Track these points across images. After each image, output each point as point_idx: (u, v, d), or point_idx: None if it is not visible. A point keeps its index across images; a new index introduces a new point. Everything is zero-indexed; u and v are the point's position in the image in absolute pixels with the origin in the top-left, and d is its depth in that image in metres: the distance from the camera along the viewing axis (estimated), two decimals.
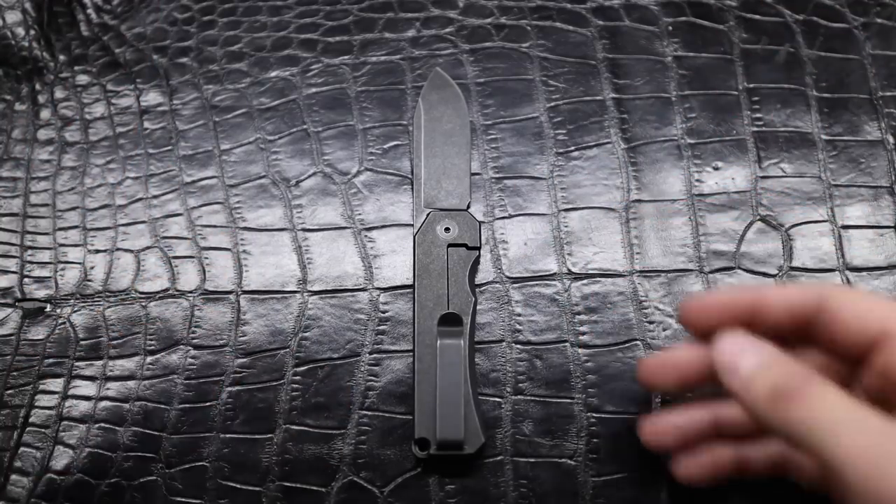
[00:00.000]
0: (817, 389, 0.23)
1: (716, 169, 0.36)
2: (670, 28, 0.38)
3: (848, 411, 0.23)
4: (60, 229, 0.36)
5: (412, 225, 0.35)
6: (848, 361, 0.26)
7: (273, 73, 0.38)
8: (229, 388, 0.33)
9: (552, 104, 0.37)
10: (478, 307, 0.33)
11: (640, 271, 0.34)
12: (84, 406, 0.33)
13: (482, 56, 0.38)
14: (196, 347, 0.33)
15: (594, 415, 0.32)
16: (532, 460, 0.32)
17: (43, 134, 0.38)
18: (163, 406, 0.32)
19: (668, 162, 0.36)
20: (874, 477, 0.22)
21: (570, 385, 0.32)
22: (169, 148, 0.37)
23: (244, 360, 0.33)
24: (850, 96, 0.37)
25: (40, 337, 0.34)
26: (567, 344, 0.33)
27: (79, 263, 0.35)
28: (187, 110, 0.38)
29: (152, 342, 0.34)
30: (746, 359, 0.25)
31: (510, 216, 0.35)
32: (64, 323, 0.34)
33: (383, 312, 0.34)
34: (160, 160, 0.37)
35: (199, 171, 0.36)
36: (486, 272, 0.34)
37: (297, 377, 0.33)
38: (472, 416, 0.31)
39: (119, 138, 0.37)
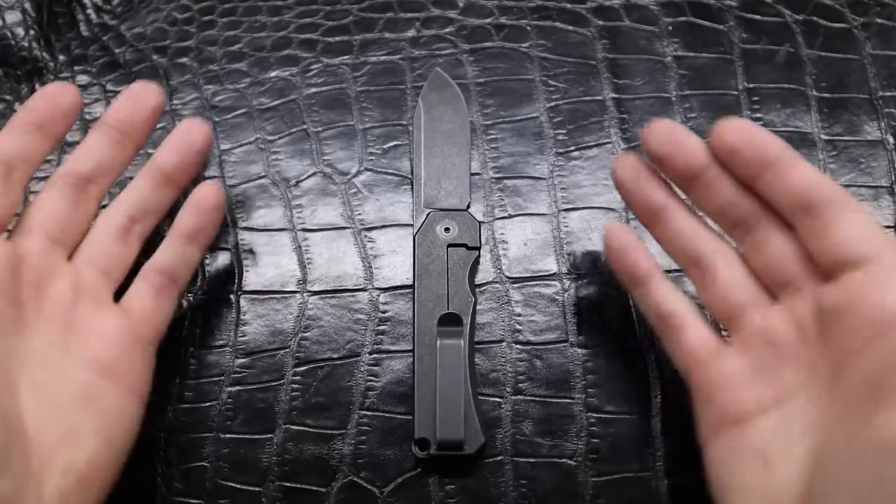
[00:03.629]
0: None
1: None
2: (670, 28, 0.38)
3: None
4: None
5: (412, 225, 0.35)
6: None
7: (273, 73, 0.38)
8: (229, 388, 0.33)
9: (552, 104, 0.37)
10: (478, 307, 0.33)
11: None
12: None
13: (482, 56, 0.38)
14: (196, 347, 0.33)
15: (594, 415, 0.32)
16: (532, 460, 0.32)
17: None
18: (163, 406, 0.32)
19: None
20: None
21: (570, 385, 0.32)
22: None
23: (244, 360, 0.33)
24: (850, 96, 0.37)
25: None
26: (567, 344, 0.33)
27: None
28: (187, 110, 0.38)
29: None
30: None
31: (510, 216, 0.35)
32: None
33: (383, 312, 0.34)
34: None
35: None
36: (486, 272, 0.34)
37: (297, 377, 0.33)
38: (472, 416, 0.31)
39: None
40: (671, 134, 0.28)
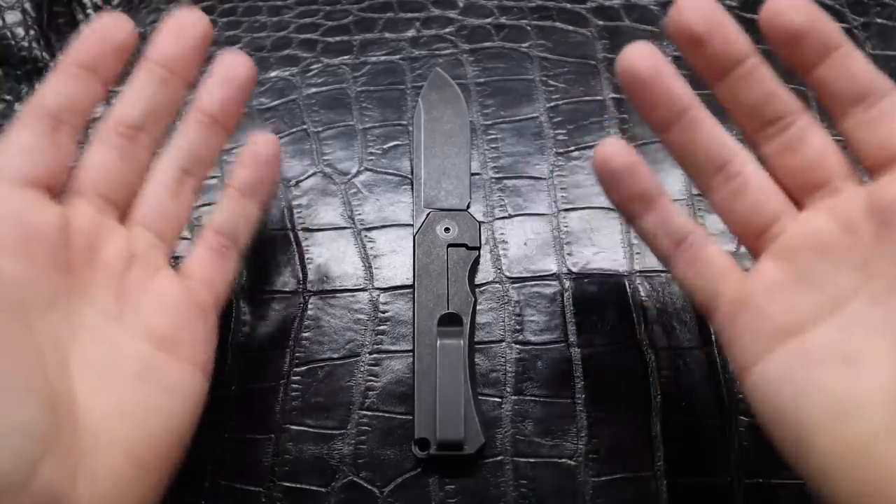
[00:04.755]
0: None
1: None
2: None
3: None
4: None
5: (412, 225, 0.35)
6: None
7: (273, 73, 0.38)
8: (230, 388, 0.33)
9: (552, 104, 0.37)
10: (478, 307, 0.33)
11: (641, 272, 0.34)
12: None
13: (482, 56, 0.38)
14: None
15: (594, 415, 0.32)
16: (532, 460, 0.32)
17: None
18: None
19: (668, 162, 0.36)
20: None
21: (570, 385, 0.32)
22: None
23: (245, 360, 0.33)
24: None
25: None
26: (567, 344, 0.33)
27: None
28: (187, 110, 0.38)
29: None
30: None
31: (510, 216, 0.35)
32: None
33: (383, 312, 0.34)
34: None
35: None
36: (486, 272, 0.34)
37: (297, 377, 0.33)
38: (472, 416, 0.31)
39: None
40: (710, 10, 0.24)
